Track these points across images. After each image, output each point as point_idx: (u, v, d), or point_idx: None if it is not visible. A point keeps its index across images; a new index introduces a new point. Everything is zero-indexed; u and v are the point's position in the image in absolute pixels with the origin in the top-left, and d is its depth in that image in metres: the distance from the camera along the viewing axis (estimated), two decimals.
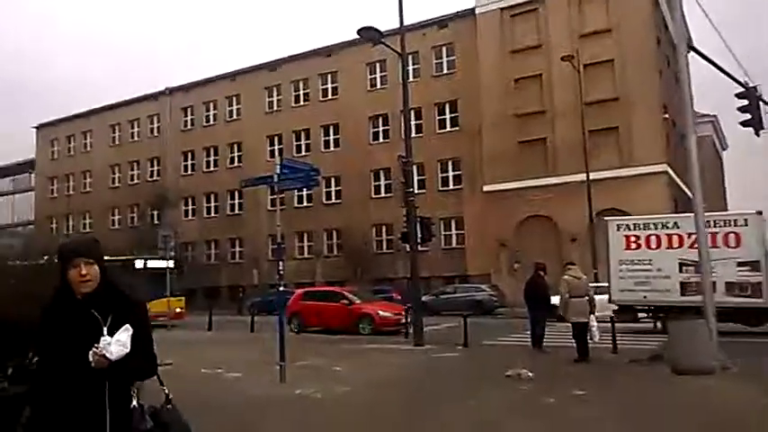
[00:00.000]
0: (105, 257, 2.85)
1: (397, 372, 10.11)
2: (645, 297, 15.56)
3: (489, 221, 31.48)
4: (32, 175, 58.18)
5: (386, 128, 36.23)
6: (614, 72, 29.60)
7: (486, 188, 32.15)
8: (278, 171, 8.82)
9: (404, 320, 17.60)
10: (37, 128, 55.85)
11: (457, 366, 10.95)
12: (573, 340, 11.29)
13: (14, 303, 5.01)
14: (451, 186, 34.20)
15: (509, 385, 8.65)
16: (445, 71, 35.00)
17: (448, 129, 34.59)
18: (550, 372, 9.67)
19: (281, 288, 9.07)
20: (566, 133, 29.69)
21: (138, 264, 22.48)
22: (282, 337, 9.00)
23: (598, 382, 8.90)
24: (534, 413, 7.04)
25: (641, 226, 15.85)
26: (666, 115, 29.27)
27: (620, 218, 17.75)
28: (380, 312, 17.99)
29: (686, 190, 32.69)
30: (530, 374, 9.10)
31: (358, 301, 18.84)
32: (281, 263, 8.89)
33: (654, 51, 29.65)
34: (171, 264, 23.79)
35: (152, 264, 23.34)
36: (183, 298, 24.89)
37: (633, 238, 15.77)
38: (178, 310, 22.96)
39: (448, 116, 34.71)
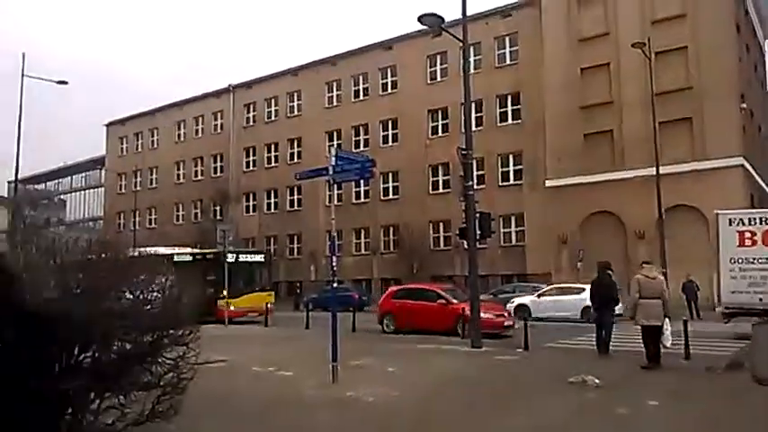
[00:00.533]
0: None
1: (453, 375, 9.63)
2: (761, 299, 13.88)
3: (551, 218, 30.46)
4: (102, 172, 60.33)
5: (445, 121, 35.63)
6: (688, 60, 28.04)
7: (548, 183, 31.14)
8: (333, 163, 8.52)
9: (509, 323, 16.74)
10: (107, 125, 57.89)
11: (516, 370, 10.39)
12: (642, 344, 10.53)
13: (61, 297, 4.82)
14: (512, 181, 33.31)
15: (573, 393, 8.05)
16: (508, 62, 34.06)
17: (509, 122, 33.69)
18: (619, 379, 8.99)
19: (335, 284, 8.73)
20: (634, 125, 28.37)
21: (230, 258, 21.87)
22: (335, 336, 8.67)
23: (672, 392, 8.20)
24: (604, 425, 6.45)
25: (758, 220, 14.24)
26: (744, 105, 27.52)
27: (733, 211, 15.75)
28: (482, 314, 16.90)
29: (764, 185, 30.86)
30: (596, 381, 8.47)
31: (455, 301, 17.10)
32: (334, 258, 8.53)
33: (732, 37, 27.88)
34: (261, 258, 24.76)
35: (243, 258, 23.37)
36: (272, 292, 24.81)
37: (748, 234, 14.18)
38: (269, 305, 22.63)
39: (509, 108, 33.79)
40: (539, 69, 32.08)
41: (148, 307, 5.19)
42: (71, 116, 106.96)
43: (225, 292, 20.76)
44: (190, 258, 24.23)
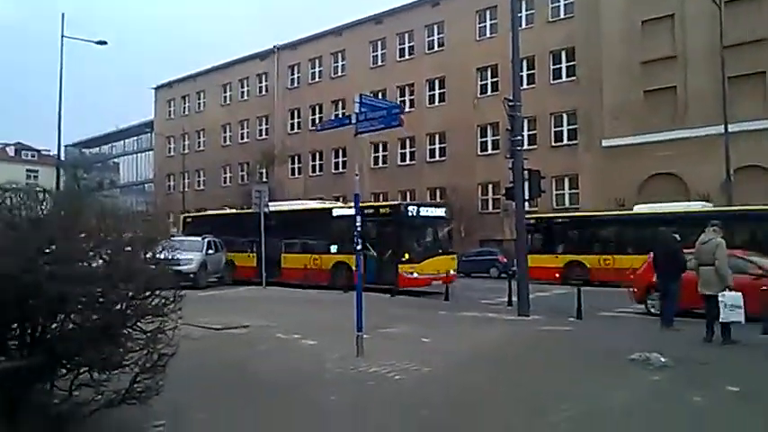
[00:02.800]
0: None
1: (494, 348, 8.61)
2: None
3: (608, 179, 28.70)
4: (152, 135, 60.82)
5: (495, 79, 33.92)
6: (762, 8, 25.55)
7: (605, 143, 29.28)
8: (357, 110, 7.51)
9: None
10: (155, 89, 58.09)
11: (568, 344, 9.27)
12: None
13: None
14: (566, 141, 31.56)
15: (636, 373, 6.92)
16: (562, 15, 31.93)
17: (563, 79, 31.74)
18: (686, 356, 7.76)
19: (359, 247, 7.77)
20: (700, 81, 26.20)
21: (411, 211, 18.40)
22: (360, 302, 7.75)
23: (755, 374, 7.01)
24: (677, 418, 5.34)
25: None
26: None
27: None
28: None
29: None
30: (662, 359, 7.31)
31: None
32: (358, 218, 7.57)
33: None
34: (442, 212, 19.73)
35: (424, 212, 18.95)
36: (455, 256, 19.86)
37: None
38: (452, 271, 18.55)
39: (564, 65, 31.81)
40: (595, 23, 29.96)
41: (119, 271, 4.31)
42: (126, 79, 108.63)
43: (406, 255, 17.66)
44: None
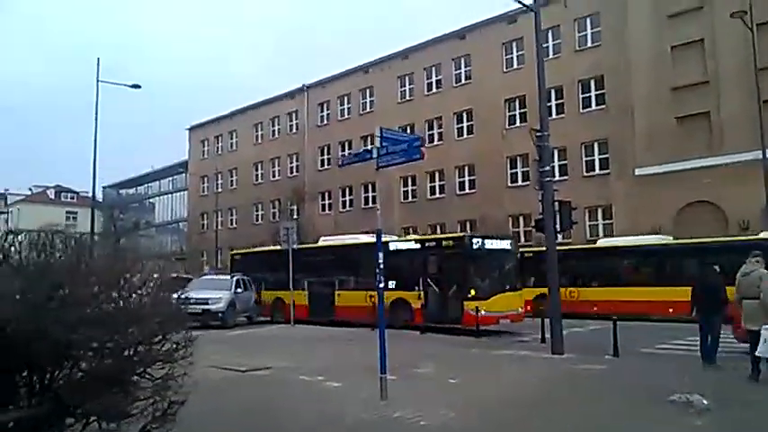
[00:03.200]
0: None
1: (527, 391, 8.22)
2: None
3: (642, 209, 28.00)
4: (186, 175, 61.90)
5: (523, 110, 33.68)
6: None
7: (638, 172, 28.67)
8: (378, 144, 7.39)
9: None
10: (189, 129, 59.36)
11: (604, 384, 8.82)
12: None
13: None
14: (597, 171, 31.00)
15: (676, 418, 6.48)
16: (589, 44, 31.72)
17: (593, 107, 31.34)
18: (729, 397, 7.30)
19: (381, 285, 7.55)
20: (734, 105, 25.57)
21: (475, 244, 17.20)
22: (383, 343, 7.50)
23: None
24: None
25: None
26: None
27: None
28: None
29: None
30: (704, 402, 6.86)
31: None
32: (380, 255, 7.38)
33: None
34: (508, 245, 18.03)
35: (490, 244, 17.39)
36: (522, 293, 18.56)
37: None
38: (520, 309, 17.41)
39: (593, 94, 31.45)
40: (623, 50, 29.67)
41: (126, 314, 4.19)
42: (161, 121, 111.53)
43: (472, 291, 16.50)
44: (416, 246, 19.44)
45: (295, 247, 20.37)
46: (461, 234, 19.02)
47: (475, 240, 17.50)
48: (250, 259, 25.66)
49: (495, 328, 16.51)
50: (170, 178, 68.79)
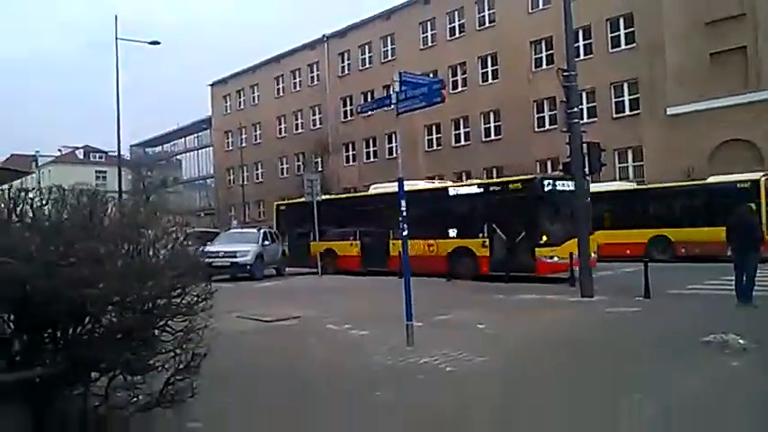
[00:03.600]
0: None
1: (557, 334, 8.12)
2: None
3: (674, 150, 27.23)
4: (210, 131, 61.96)
5: (549, 52, 32.66)
6: None
7: (669, 111, 27.77)
8: (397, 89, 7.12)
9: None
10: (211, 85, 59.09)
11: (636, 327, 8.67)
12: None
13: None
14: (627, 112, 30.13)
15: (711, 358, 6.32)
16: None
17: (622, 47, 30.25)
18: (767, 337, 7.07)
19: (404, 232, 7.40)
20: None
21: (546, 185, 15.98)
22: (408, 289, 7.41)
23: None
24: (761, 410, 4.77)
25: None
26: None
27: None
28: None
29: None
30: (740, 341, 6.67)
31: None
32: (402, 202, 7.21)
33: None
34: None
35: (561, 186, 15.40)
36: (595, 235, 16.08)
37: None
38: (593, 254, 14.51)
39: (622, 32, 30.29)
40: None
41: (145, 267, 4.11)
42: (185, 79, 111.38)
43: (545, 237, 15.44)
44: (478, 191, 18.45)
45: (319, 198, 20.19)
46: (531, 176, 17.58)
47: (546, 182, 16.23)
48: (295, 210, 24.09)
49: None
50: (195, 135, 68.93)
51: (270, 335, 8.41)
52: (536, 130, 33.51)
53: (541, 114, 33.41)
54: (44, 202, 4.31)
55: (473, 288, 14.54)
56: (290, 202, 26.37)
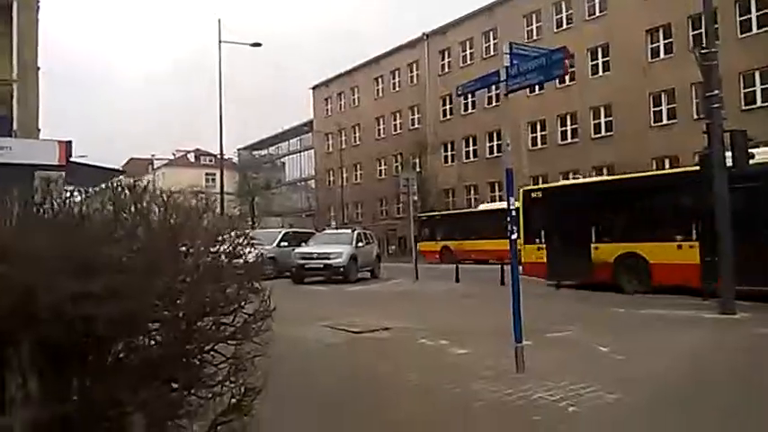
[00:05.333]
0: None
1: (704, 364, 6.57)
2: None
3: None
4: (312, 134, 62.72)
5: (667, 41, 30.06)
6: None
7: None
8: (507, 63, 5.91)
9: None
10: (312, 89, 59.80)
11: None
12: None
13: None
14: (759, 104, 27.00)
15: None
16: None
17: (754, 31, 27.17)
18: None
19: (513, 236, 6.12)
20: None
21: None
22: (518, 304, 6.17)
23: None
24: None
25: None
26: None
27: None
28: None
29: None
30: None
31: None
32: (511, 199, 6.00)
33: None
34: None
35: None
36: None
37: None
38: None
39: (753, 15, 27.22)
40: None
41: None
42: (284, 83, 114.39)
43: None
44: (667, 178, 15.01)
45: (415, 198, 19.06)
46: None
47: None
48: (562, 197, 17.08)
49: None
50: (298, 138, 70.13)
51: (357, 349, 7.43)
52: (652, 125, 30.98)
53: (658, 108, 30.84)
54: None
55: (583, 298, 12.97)
56: (547, 186, 19.84)
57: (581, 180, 21.23)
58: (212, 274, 3.33)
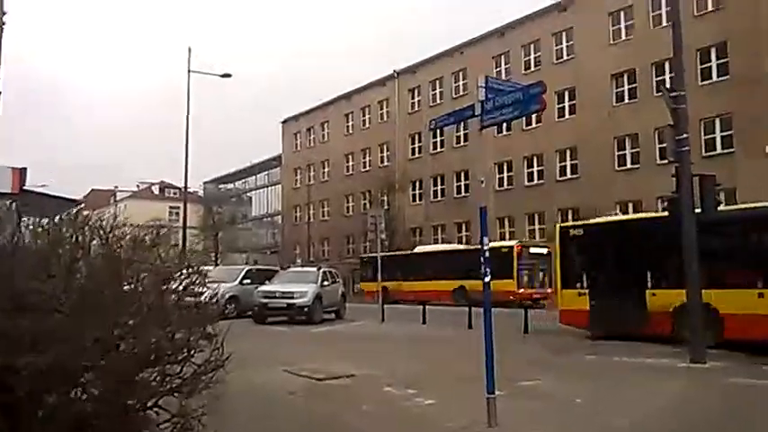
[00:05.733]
0: None
1: (671, 418, 6.33)
2: None
3: None
4: (280, 169, 62.25)
5: (632, 86, 30.79)
6: None
7: None
8: (482, 97, 5.71)
9: None
10: (282, 123, 59.62)
11: None
12: None
13: None
14: (719, 150, 27.63)
15: None
16: (710, 8, 28.32)
17: (714, 79, 27.98)
18: None
19: (486, 279, 5.82)
20: None
21: None
22: (490, 350, 5.83)
23: None
24: None
25: None
26: None
27: None
28: None
29: None
30: None
31: None
32: (485, 239, 5.74)
33: None
34: None
35: None
36: None
37: None
38: None
39: (713, 63, 28.06)
40: (753, 10, 26.20)
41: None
42: (254, 117, 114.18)
43: None
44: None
45: (383, 236, 18.73)
46: None
47: None
48: (611, 234, 14.96)
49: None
50: (266, 172, 69.66)
51: (319, 398, 6.97)
52: (617, 168, 31.46)
53: (623, 152, 31.40)
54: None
55: (552, 344, 12.69)
56: (597, 222, 16.29)
57: (634, 216, 19.99)
58: (159, 317, 2.96)
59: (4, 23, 23.12)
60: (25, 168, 11.85)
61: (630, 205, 29.98)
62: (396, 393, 7.19)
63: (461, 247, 33.36)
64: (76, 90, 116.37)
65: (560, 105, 34.17)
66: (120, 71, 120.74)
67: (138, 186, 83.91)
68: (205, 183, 74.09)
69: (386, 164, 46.14)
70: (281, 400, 6.79)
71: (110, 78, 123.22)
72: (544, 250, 27.93)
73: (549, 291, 26.30)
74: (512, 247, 27.71)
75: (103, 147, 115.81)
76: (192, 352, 3.24)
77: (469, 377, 8.16)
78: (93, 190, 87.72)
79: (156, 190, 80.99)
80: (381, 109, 47.48)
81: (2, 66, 16.51)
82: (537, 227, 34.53)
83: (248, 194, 74.22)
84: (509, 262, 26.72)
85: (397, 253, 34.34)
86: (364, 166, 48.58)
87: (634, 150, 30.52)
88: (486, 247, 5.72)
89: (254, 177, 72.52)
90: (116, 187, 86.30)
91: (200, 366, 3.20)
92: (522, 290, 26.89)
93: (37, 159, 77.72)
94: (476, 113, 5.73)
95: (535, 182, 35.14)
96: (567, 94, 33.75)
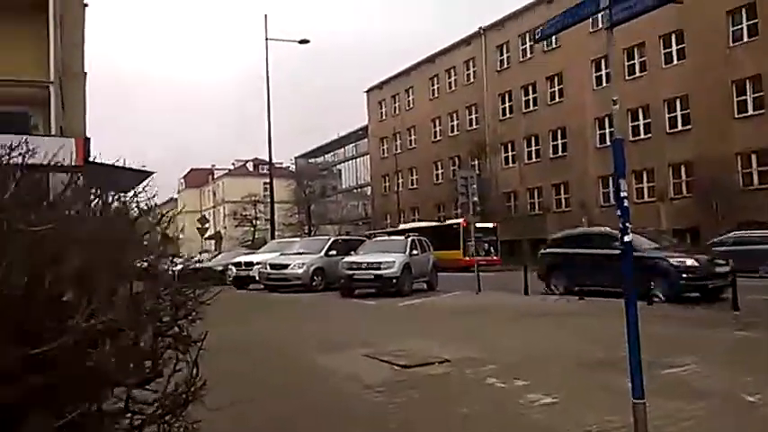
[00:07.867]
0: None
1: None
2: None
3: None
4: (367, 139, 61.46)
5: (752, 21, 27.27)
6: None
7: None
8: None
9: None
10: (366, 92, 58.54)
11: None
12: None
13: None
14: None
15: None
16: None
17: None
18: None
19: (624, 238, 4.12)
20: None
21: None
22: (635, 334, 4.17)
23: None
24: None
25: None
26: None
27: None
28: None
29: None
30: None
31: None
32: (622, 182, 4.12)
33: None
34: None
35: None
36: None
37: None
38: None
39: None
40: None
41: None
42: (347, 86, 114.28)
43: None
44: None
45: (475, 199, 17.01)
46: None
47: None
48: None
49: None
50: (353, 144, 69.16)
51: (402, 396, 5.54)
52: (736, 116, 28.11)
53: (742, 97, 27.99)
54: None
55: (684, 317, 10.66)
56: None
57: None
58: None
59: (86, 4, 22.99)
60: (89, 138, 11.20)
61: (754, 156, 26.86)
62: (503, 387, 5.66)
63: None
64: (169, 77, 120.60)
65: (667, 50, 31.23)
66: (208, 57, 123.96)
67: (233, 165, 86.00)
68: (296, 157, 74.75)
69: (474, 127, 44.12)
70: (350, 398, 5.48)
71: (198, 64, 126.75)
72: (490, 225, 32.06)
73: (495, 258, 32.24)
74: (459, 224, 30.97)
75: (199, 130, 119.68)
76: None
77: (592, 362, 6.61)
78: (192, 170, 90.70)
79: (250, 167, 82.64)
80: (468, 69, 45.34)
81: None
82: (645, 184, 31.69)
83: (337, 167, 74.10)
84: (457, 236, 30.76)
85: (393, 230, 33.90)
86: (452, 131, 46.75)
87: (756, 95, 27.16)
88: (623, 194, 4.09)
89: (342, 149, 72.24)
90: (213, 166, 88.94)
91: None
92: (467, 258, 28.75)
93: (128, 143, 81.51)
94: (601, 6, 4.09)
95: (641, 135, 32.26)
96: (674, 37, 30.58)
